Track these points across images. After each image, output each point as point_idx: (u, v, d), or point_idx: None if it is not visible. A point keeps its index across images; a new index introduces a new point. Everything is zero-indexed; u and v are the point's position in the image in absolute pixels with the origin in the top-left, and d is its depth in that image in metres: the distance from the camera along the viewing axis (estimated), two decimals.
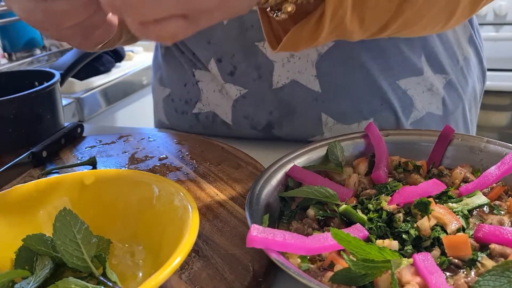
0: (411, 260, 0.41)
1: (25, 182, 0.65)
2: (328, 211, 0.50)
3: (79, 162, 0.72)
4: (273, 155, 0.60)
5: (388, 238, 0.45)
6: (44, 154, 0.74)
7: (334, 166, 0.58)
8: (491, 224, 0.46)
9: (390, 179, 0.56)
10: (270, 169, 0.55)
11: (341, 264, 0.41)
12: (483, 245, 0.44)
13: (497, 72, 2.25)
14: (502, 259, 0.41)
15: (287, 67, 0.71)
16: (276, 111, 0.74)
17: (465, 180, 0.55)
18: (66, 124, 0.85)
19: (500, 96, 2.30)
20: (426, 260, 0.40)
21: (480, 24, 2.23)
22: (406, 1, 0.50)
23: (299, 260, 0.44)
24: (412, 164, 0.57)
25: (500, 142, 0.57)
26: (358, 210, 0.49)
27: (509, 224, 0.47)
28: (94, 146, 0.79)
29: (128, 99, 1.67)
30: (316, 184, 0.52)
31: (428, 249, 0.44)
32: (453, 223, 0.45)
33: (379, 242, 0.43)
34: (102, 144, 0.80)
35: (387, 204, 0.48)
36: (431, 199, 0.47)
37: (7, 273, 0.42)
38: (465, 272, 0.41)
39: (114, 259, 0.48)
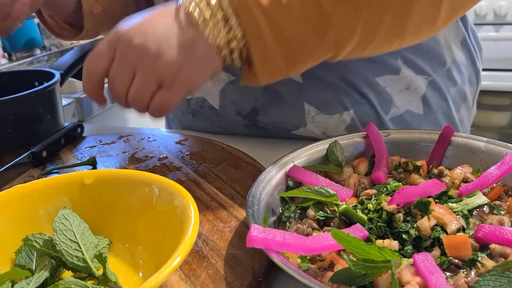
0: (411, 260, 0.41)
1: (25, 182, 0.65)
2: (328, 211, 0.50)
3: (79, 162, 0.72)
4: (273, 155, 0.60)
5: (388, 238, 0.45)
6: (44, 154, 0.74)
7: (334, 166, 0.58)
8: (491, 224, 0.46)
9: (390, 179, 0.56)
10: (270, 169, 0.55)
11: (341, 264, 0.41)
12: (483, 245, 0.44)
13: (497, 72, 2.25)
14: (502, 259, 0.41)
15: None
16: (262, 98, 0.75)
17: (465, 180, 0.55)
18: (66, 124, 0.85)
19: (500, 96, 2.30)
20: (426, 260, 0.40)
21: (480, 24, 2.23)
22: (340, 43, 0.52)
23: (299, 260, 0.44)
24: (412, 164, 0.57)
25: (500, 142, 0.57)
26: (358, 210, 0.49)
27: (509, 224, 0.47)
28: (94, 146, 0.79)
29: None
30: (316, 184, 0.52)
31: (428, 249, 0.44)
32: (453, 223, 0.45)
33: (379, 242, 0.43)
34: (102, 144, 0.80)
35: (387, 204, 0.48)
36: (431, 199, 0.47)
37: (7, 273, 0.42)
38: (465, 272, 0.41)
39: (114, 259, 0.48)
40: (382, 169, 0.56)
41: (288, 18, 0.49)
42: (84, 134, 0.84)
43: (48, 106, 0.80)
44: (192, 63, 0.51)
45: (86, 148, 0.79)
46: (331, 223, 0.49)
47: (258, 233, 0.41)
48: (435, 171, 0.57)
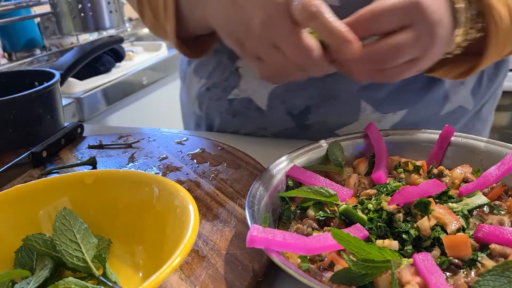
0: (411, 260, 0.41)
1: (25, 182, 0.65)
2: (328, 211, 0.50)
3: (79, 162, 0.72)
4: (273, 155, 0.60)
5: (388, 238, 0.45)
6: (44, 154, 0.74)
7: (334, 166, 0.58)
8: (491, 224, 0.46)
9: (390, 179, 0.56)
10: (270, 169, 0.55)
11: (341, 264, 0.41)
12: (483, 245, 0.44)
13: None
14: (502, 259, 0.41)
15: None
16: (317, 96, 0.75)
17: (465, 180, 0.55)
18: (66, 124, 0.85)
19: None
20: (426, 260, 0.40)
21: None
22: None
23: (299, 260, 0.44)
24: (412, 164, 0.57)
25: (500, 142, 0.57)
26: (358, 210, 0.49)
27: (509, 224, 0.47)
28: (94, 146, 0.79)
29: (128, 99, 1.67)
30: (316, 184, 0.52)
31: (428, 249, 0.44)
32: (453, 223, 0.45)
33: (379, 242, 0.43)
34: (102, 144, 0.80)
35: (387, 204, 0.48)
36: (431, 199, 0.47)
37: (7, 273, 0.42)
38: (465, 272, 0.41)
39: (114, 259, 0.48)
40: (382, 169, 0.56)
41: None
42: (84, 134, 0.84)
43: (48, 106, 0.80)
44: (443, 44, 0.54)
45: (86, 148, 0.79)
46: (331, 223, 0.49)
47: (258, 233, 0.41)
48: (435, 171, 0.57)
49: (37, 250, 0.45)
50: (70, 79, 1.44)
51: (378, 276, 0.39)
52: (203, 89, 0.85)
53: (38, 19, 1.70)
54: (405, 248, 0.44)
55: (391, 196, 0.49)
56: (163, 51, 1.89)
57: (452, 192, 0.52)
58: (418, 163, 0.57)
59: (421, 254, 0.41)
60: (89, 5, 1.58)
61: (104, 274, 0.44)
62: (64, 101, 1.38)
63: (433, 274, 0.38)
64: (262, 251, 0.41)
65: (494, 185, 0.53)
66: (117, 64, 1.69)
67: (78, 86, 1.48)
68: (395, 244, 0.43)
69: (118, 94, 1.61)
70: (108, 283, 0.42)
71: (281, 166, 0.56)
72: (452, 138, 0.60)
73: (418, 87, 0.73)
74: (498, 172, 0.51)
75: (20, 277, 0.43)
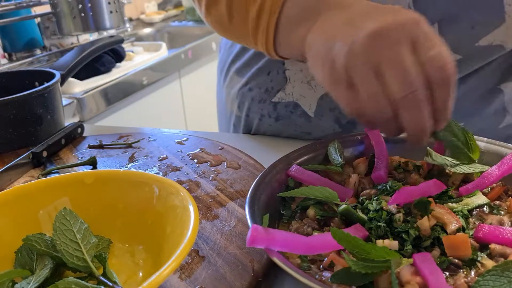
0: (411, 260, 0.41)
1: (25, 182, 0.65)
2: (328, 211, 0.50)
3: (79, 162, 0.72)
4: (273, 155, 0.60)
5: (388, 238, 0.45)
6: (44, 154, 0.74)
7: (334, 166, 0.58)
8: (491, 224, 0.46)
9: (390, 179, 0.56)
10: (270, 169, 0.55)
11: (341, 264, 0.41)
12: (483, 245, 0.44)
13: None
14: (502, 259, 0.41)
15: None
16: None
17: (465, 180, 0.55)
18: (66, 124, 0.85)
19: None
20: (426, 260, 0.40)
21: None
22: None
23: (299, 260, 0.44)
24: (412, 164, 0.57)
25: (500, 142, 0.57)
26: (358, 210, 0.49)
27: (509, 224, 0.47)
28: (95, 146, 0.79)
29: (128, 99, 1.67)
30: (316, 184, 0.52)
31: (428, 249, 0.44)
32: (453, 223, 0.45)
33: (379, 242, 0.43)
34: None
35: (387, 204, 0.48)
36: (431, 199, 0.47)
37: (7, 273, 0.42)
38: (465, 272, 0.41)
39: (114, 259, 0.48)
40: (382, 169, 0.56)
41: None
42: (84, 134, 0.85)
43: (48, 106, 0.80)
44: None
45: (86, 148, 0.79)
46: (331, 223, 0.49)
47: (258, 233, 0.41)
48: (435, 171, 0.57)
49: (37, 250, 0.45)
50: (70, 79, 1.44)
51: (378, 276, 0.39)
52: (245, 89, 0.82)
53: (38, 19, 1.71)
54: (405, 248, 0.44)
55: (391, 196, 0.49)
56: (163, 51, 1.89)
57: (452, 192, 0.52)
58: (418, 163, 0.57)
59: (421, 254, 0.41)
60: (89, 5, 1.58)
61: (104, 274, 0.44)
62: (64, 101, 1.38)
63: (433, 274, 0.38)
64: (262, 251, 0.41)
65: (494, 185, 0.53)
66: (117, 64, 1.69)
67: (78, 86, 1.48)
68: (395, 244, 0.43)
69: (118, 94, 1.61)
70: (108, 283, 0.42)
71: (281, 166, 0.56)
72: None
73: (474, 98, 0.70)
74: (498, 172, 0.51)
75: (20, 277, 0.43)
